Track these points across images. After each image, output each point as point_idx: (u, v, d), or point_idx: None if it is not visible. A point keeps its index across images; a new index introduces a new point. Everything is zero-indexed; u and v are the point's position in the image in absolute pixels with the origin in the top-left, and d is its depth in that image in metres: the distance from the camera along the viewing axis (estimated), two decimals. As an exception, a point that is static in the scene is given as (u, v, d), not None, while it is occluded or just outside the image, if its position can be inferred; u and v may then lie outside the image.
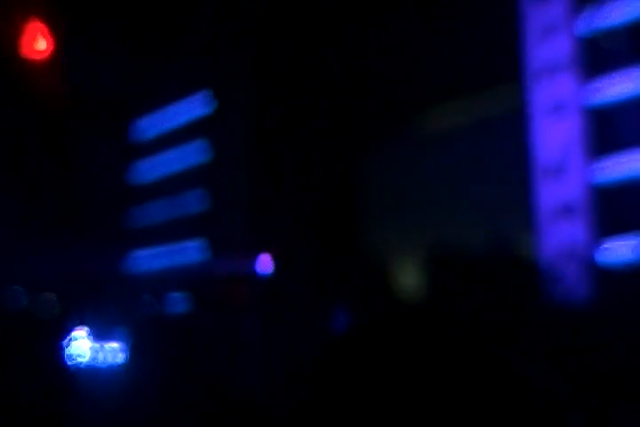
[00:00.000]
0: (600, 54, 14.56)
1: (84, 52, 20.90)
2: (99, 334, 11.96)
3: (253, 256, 17.64)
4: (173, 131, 23.21)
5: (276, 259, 17.51)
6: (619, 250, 13.72)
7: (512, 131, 17.00)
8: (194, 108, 22.40)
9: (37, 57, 19.85)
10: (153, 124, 24.13)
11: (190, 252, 21.20)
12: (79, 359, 12.01)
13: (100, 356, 11.92)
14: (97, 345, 11.91)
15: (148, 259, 22.74)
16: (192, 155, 22.15)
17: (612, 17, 14.62)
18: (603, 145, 14.42)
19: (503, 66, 16.45)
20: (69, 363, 12.21)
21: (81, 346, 12.15)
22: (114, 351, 11.55)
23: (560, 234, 14.48)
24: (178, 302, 16.25)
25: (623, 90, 14.20)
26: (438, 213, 19.13)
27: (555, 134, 14.82)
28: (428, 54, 18.18)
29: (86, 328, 12.29)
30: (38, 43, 19.78)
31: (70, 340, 12.21)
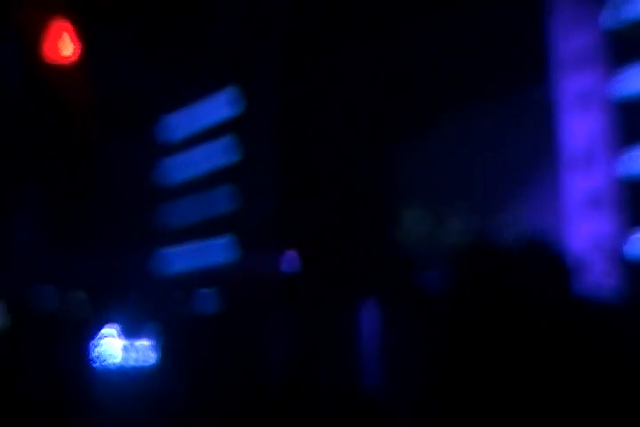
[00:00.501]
0: (626, 46, 14.50)
1: (109, 53, 21.04)
2: (129, 332, 12.03)
3: (281, 254, 17.68)
4: (201, 130, 23.32)
5: (302, 257, 17.52)
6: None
7: (539, 125, 16.95)
8: (221, 106, 22.50)
9: (64, 61, 19.96)
10: (181, 124, 24.25)
11: (219, 250, 21.30)
12: (110, 358, 12.09)
13: (132, 354, 11.99)
14: (128, 343, 11.99)
15: (178, 257, 22.86)
16: (220, 153, 22.24)
17: (638, 8, 14.54)
18: (631, 136, 14.35)
19: (529, 60, 16.42)
20: (100, 362, 12.28)
21: (112, 344, 12.24)
22: (145, 349, 11.62)
23: (589, 226, 14.43)
24: (207, 300, 16.31)
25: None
26: (466, 207, 19.10)
27: (583, 127, 14.77)
28: (453, 51, 18.16)
29: (117, 326, 12.37)
30: (65, 47, 19.89)
31: (101, 338, 12.30)
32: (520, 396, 1.69)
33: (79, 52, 20.57)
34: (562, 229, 15.37)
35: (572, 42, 15.02)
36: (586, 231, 14.27)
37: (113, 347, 12.40)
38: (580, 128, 14.84)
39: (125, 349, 11.91)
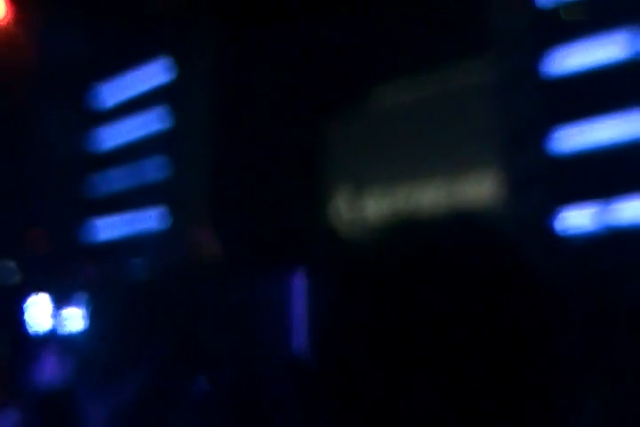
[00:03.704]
0: (561, 25, 14.67)
1: (43, 17, 20.72)
2: (59, 301, 11.98)
3: (211, 226, 17.66)
4: (135, 98, 23.14)
5: (231, 229, 17.51)
6: (578, 219, 13.87)
7: (476, 103, 17.09)
8: (155, 74, 22.33)
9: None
10: (115, 91, 24.03)
11: (149, 220, 21.21)
12: (39, 326, 12.04)
13: (60, 322, 11.94)
14: (57, 311, 11.93)
15: (109, 226, 22.73)
16: (153, 122, 22.09)
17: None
18: (562, 115, 14.55)
19: (467, 37, 16.51)
20: (29, 329, 12.22)
21: (40, 312, 12.16)
22: (74, 317, 11.58)
23: (519, 204, 14.63)
24: (137, 269, 16.27)
25: (583, 61, 14.32)
26: (400, 185, 19.24)
27: (517, 105, 14.93)
28: (388, 24, 18.17)
29: (46, 294, 12.30)
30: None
31: (29, 306, 12.23)
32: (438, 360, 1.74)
33: (11, 15, 20.24)
34: (498, 207, 15.58)
35: (508, 19, 15.15)
36: (520, 209, 14.47)
37: (41, 314, 12.34)
38: (514, 105, 15.01)
39: (54, 316, 11.85)
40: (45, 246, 16.90)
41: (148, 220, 21.33)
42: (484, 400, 1.66)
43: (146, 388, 8.59)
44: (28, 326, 12.36)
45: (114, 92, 24.22)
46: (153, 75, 22.64)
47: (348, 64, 19.22)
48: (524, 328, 1.80)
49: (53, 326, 12.09)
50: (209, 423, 8.13)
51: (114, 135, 23.95)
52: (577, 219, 14.06)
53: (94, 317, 11.18)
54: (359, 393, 1.70)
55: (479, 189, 17.43)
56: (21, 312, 12.39)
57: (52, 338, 12.03)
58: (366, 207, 19.24)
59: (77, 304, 11.55)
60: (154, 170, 21.88)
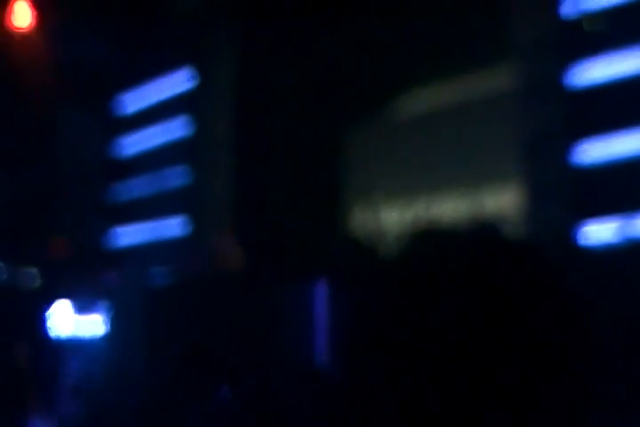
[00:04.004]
0: (584, 36, 14.63)
1: (67, 25, 20.82)
2: (81, 307, 12.01)
3: (234, 235, 17.69)
4: (157, 105, 23.22)
5: (254, 238, 17.54)
6: (599, 232, 13.82)
7: (495, 113, 17.07)
8: (178, 82, 22.41)
9: (20, 30, 19.74)
10: (138, 99, 24.13)
11: (172, 227, 21.27)
12: (61, 332, 12.09)
13: (83, 329, 11.98)
14: (79, 318, 11.97)
15: (132, 233, 22.80)
16: (175, 130, 22.16)
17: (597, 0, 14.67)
18: (584, 127, 14.50)
19: (489, 47, 16.50)
20: (51, 335, 12.28)
21: (62, 319, 12.21)
22: (96, 324, 11.62)
23: (540, 216, 14.58)
24: (159, 277, 16.31)
25: (606, 73, 14.28)
26: (420, 195, 19.23)
27: (539, 115, 14.89)
28: (409, 34, 18.16)
29: (68, 301, 12.34)
30: (21, 16, 19.65)
31: (51, 313, 12.28)
32: (469, 368, 1.76)
33: (35, 22, 20.36)
34: (518, 219, 15.53)
35: (531, 29, 15.12)
36: (541, 221, 14.43)
37: (63, 321, 12.39)
38: (536, 117, 14.97)
39: (76, 323, 11.91)
40: (67, 253, 16.99)
41: (171, 227, 21.41)
42: (509, 411, 1.68)
43: (164, 395, 8.65)
44: (49, 333, 12.42)
45: (136, 99, 24.32)
46: (175, 82, 22.73)
47: (368, 74, 19.25)
48: (545, 339, 1.81)
49: (74, 332, 12.15)
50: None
51: (136, 142, 24.04)
52: (598, 232, 14.01)
53: (115, 323, 11.23)
54: (380, 404, 1.72)
55: (500, 201, 17.38)
56: (43, 319, 12.45)
57: (74, 344, 12.08)
58: (386, 218, 19.22)
59: (98, 311, 11.61)
60: (176, 177, 21.96)
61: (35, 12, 20.16)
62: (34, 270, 16.33)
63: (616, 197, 13.82)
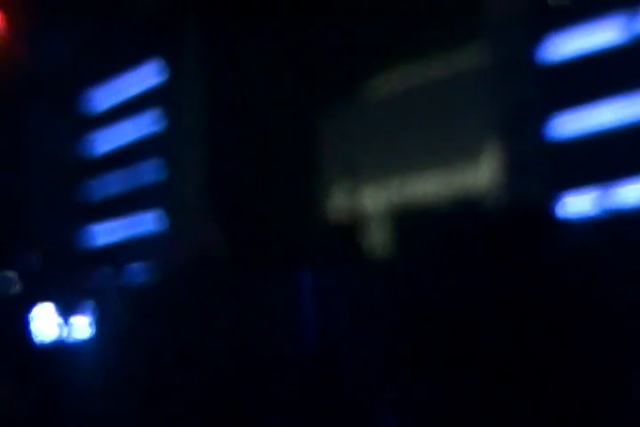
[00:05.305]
0: (553, 11, 14.57)
1: (35, 23, 20.61)
2: (64, 309, 11.85)
3: (209, 226, 17.58)
4: (128, 101, 23.01)
5: (233, 229, 17.44)
6: (578, 204, 13.80)
7: (470, 90, 17.00)
8: (147, 77, 22.21)
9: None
10: (107, 95, 23.92)
11: (149, 223, 21.12)
12: (45, 336, 11.94)
13: (67, 331, 11.83)
14: (62, 320, 11.81)
15: (109, 231, 22.64)
16: (146, 125, 21.97)
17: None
18: (559, 101, 14.47)
19: (461, 24, 16.42)
20: (35, 339, 12.14)
21: (46, 322, 12.05)
22: (81, 326, 11.47)
23: (518, 190, 14.55)
24: (141, 273, 16.19)
25: (579, 46, 14.24)
26: (398, 173, 19.17)
27: (513, 92, 14.84)
28: (380, 13, 18.04)
29: (51, 304, 12.18)
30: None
31: (34, 316, 12.14)
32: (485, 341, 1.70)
33: (2, 21, 20.15)
34: (497, 193, 15.50)
35: (502, 6, 15.07)
36: (519, 195, 14.42)
37: (47, 324, 12.25)
38: (510, 92, 14.92)
39: (60, 326, 11.77)
40: (45, 255, 16.82)
41: (148, 223, 21.26)
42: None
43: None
44: (33, 337, 12.28)
45: (106, 95, 24.12)
46: (145, 77, 22.54)
47: (339, 56, 19.11)
48: (526, 311, 1.80)
49: (59, 334, 12.01)
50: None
51: (108, 139, 23.85)
52: (577, 203, 14.00)
53: (100, 323, 11.12)
54: (376, 391, 1.66)
55: (477, 176, 17.36)
56: (25, 323, 12.31)
57: (59, 347, 11.96)
58: (365, 198, 19.16)
59: (83, 312, 11.48)
60: (150, 172, 21.80)
61: (2, 12, 19.96)
62: (12, 274, 16.14)
63: (592, 169, 13.83)
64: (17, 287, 15.12)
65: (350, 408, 6.23)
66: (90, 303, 11.42)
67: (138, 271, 15.97)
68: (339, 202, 20.36)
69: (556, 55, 14.25)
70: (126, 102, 23.25)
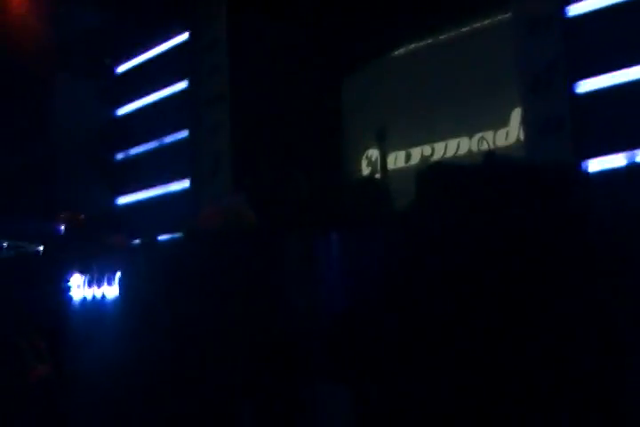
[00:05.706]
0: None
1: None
2: (95, 279, 11.88)
3: (237, 193, 17.54)
4: (153, 67, 22.99)
5: (257, 195, 17.42)
6: (604, 164, 13.65)
7: (495, 48, 16.85)
8: (173, 51, 22.18)
9: (14, 3, 19.57)
10: (132, 70, 23.92)
11: (175, 192, 21.14)
12: (74, 305, 11.99)
13: (98, 301, 11.84)
14: (94, 290, 11.84)
15: (138, 199, 22.72)
16: (173, 90, 21.94)
17: None
18: (584, 58, 14.27)
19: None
20: (65, 310, 12.23)
21: (78, 293, 12.10)
22: (112, 295, 11.48)
23: (547, 149, 14.41)
24: (169, 241, 16.20)
25: (602, 1, 14.01)
26: (423, 135, 19.10)
27: (538, 49, 14.65)
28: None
29: (81, 276, 12.21)
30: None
31: (65, 288, 12.18)
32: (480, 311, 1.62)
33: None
34: (520, 152, 15.40)
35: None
36: (544, 155, 14.27)
37: (79, 295, 12.31)
38: (537, 52, 14.72)
39: (92, 296, 11.83)
40: (74, 225, 16.86)
41: (177, 190, 21.33)
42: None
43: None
44: (64, 307, 12.36)
45: (131, 63, 24.16)
46: (171, 48, 22.55)
47: (361, 16, 18.94)
48: (550, 271, 1.73)
49: (89, 304, 12.05)
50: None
51: (134, 106, 23.88)
52: (603, 163, 13.86)
53: (130, 292, 11.16)
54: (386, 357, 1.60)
55: (502, 136, 17.29)
56: (56, 294, 12.38)
57: (88, 316, 12.02)
58: (394, 160, 19.12)
59: (111, 282, 11.50)
60: (178, 140, 21.84)
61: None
62: (41, 245, 16.22)
63: (623, 127, 13.66)
64: (46, 258, 15.20)
65: (375, 366, 6.20)
66: (120, 272, 11.44)
67: (167, 239, 16.00)
68: (366, 166, 20.34)
69: (584, 11, 14.03)
70: (152, 68, 23.27)
